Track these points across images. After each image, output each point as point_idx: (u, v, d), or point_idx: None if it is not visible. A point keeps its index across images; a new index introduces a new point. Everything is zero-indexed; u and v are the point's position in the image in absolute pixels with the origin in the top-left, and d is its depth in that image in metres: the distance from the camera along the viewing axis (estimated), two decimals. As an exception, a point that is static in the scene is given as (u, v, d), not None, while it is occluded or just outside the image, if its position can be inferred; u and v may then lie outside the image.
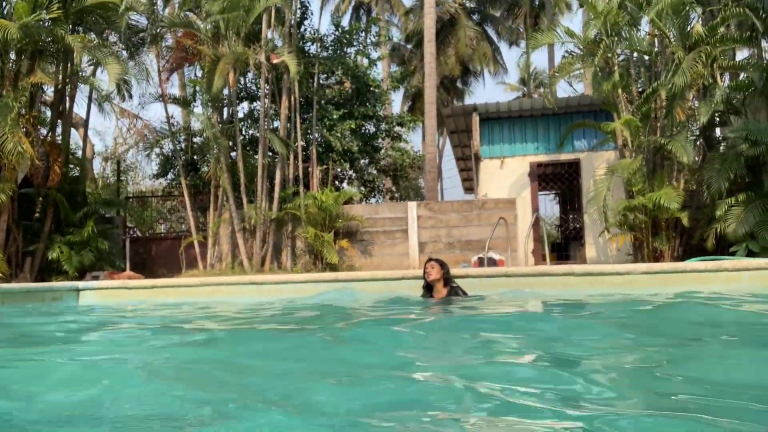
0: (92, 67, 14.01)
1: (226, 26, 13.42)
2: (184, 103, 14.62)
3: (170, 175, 18.48)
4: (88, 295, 7.55)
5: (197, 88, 15.23)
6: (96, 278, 12.49)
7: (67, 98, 13.50)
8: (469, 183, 21.34)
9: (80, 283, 7.74)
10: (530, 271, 6.29)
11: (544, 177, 16.45)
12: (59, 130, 13.77)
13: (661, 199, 11.59)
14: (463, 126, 16.77)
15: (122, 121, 24.25)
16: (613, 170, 12.54)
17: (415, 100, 34.95)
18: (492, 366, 2.52)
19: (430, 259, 6.20)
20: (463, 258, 14.08)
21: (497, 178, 15.76)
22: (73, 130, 23.62)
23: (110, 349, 3.60)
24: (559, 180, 16.49)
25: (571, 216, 18.97)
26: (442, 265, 6.12)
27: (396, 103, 44.05)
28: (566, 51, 15.76)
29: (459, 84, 37.21)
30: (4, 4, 10.49)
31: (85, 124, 15.39)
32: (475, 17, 35.04)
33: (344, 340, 3.66)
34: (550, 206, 23.84)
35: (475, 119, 15.51)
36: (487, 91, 50.86)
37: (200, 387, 2.24)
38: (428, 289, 6.10)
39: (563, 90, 40.60)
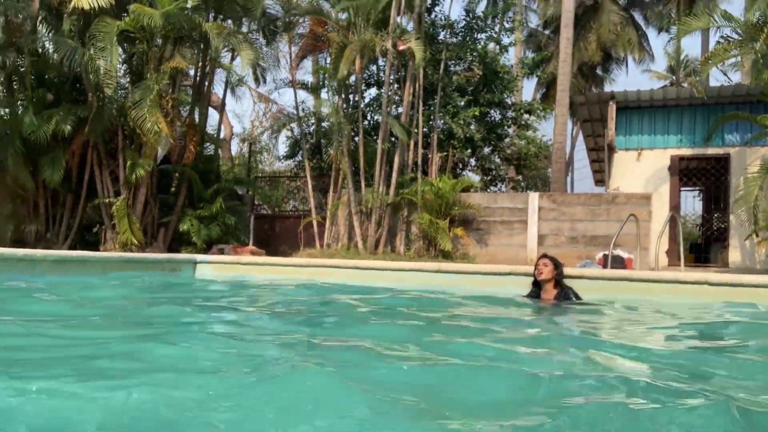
0: (230, 52, 14.71)
1: (356, 13, 13.50)
2: (312, 88, 14.96)
3: (299, 158, 19.14)
4: (205, 268, 7.89)
5: (326, 75, 15.53)
6: (222, 251, 13.19)
7: (206, 82, 14.31)
8: (600, 175, 20.03)
9: (198, 256, 8.11)
10: (655, 277, 5.61)
11: (687, 172, 14.98)
12: (199, 111, 14.63)
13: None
14: (597, 115, 15.69)
15: (258, 105, 25.52)
16: (766, 168, 11.10)
17: (550, 87, 33.46)
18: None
19: (544, 255, 5.74)
20: (587, 254, 13.20)
21: (632, 172, 14.60)
22: (214, 111, 25.32)
23: (218, 330, 3.58)
24: (704, 176, 14.92)
25: (715, 215, 17.19)
26: (556, 264, 5.63)
27: (528, 90, 42.60)
28: (721, 36, 14.13)
29: (599, 71, 35.16)
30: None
31: (222, 106, 16.25)
32: (620, 1, 32.74)
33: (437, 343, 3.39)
34: (691, 203, 21.85)
35: (612, 107, 14.42)
36: (630, 79, 47.62)
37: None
38: (536, 285, 5.67)
39: (715, 79, 37.04)
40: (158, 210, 13.88)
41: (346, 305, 5.00)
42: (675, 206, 14.40)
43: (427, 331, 3.67)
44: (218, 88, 17.57)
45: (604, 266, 12.17)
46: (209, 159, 14.89)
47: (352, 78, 15.09)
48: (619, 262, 12.10)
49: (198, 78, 14.19)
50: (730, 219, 13.77)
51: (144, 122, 10.98)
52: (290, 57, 15.01)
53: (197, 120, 14.33)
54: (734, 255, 13.50)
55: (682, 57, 38.73)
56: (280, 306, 4.80)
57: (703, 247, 16.93)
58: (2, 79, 12.55)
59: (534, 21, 34.58)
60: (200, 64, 13.71)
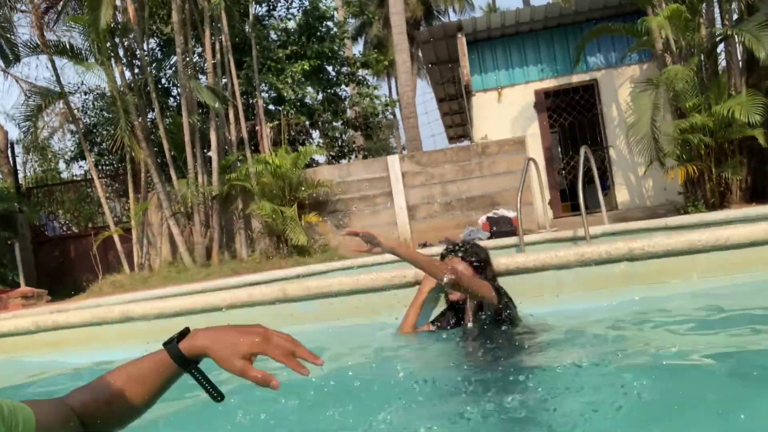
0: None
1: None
2: (70, 51, 10.75)
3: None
4: None
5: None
6: (-23, 302, 9.07)
7: None
8: (455, 131, 18.04)
9: None
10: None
11: (555, 108, 13.10)
12: None
13: (735, 111, 8.49)
14: (444, 55, 13.38)
15: (34, 98, 20.19)
16: (656, 82, 9.36)
17: (377, 50, 31.43)
18: None
19: (451, 250, 2.85)
20: (467, 220, 10.87)
21: (495, 115, 12.51)
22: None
23: None
24: (574, 110, 13.12)
25: (584, 152, 15.66)
26: (476, 253, 2.78)
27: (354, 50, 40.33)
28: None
29: (423, 29, 33.72)
30: None
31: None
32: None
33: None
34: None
35: (462, 42, 12.14)
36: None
37: None
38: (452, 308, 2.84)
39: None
40: None
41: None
42: (548, 147, 12.58)
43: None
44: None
45: (491, 231, 9.94)
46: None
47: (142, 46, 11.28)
48: (508, 224, 9.91)
49: None
50: (610, 154, 12.16)
51: None
52: (34, 9, 10.73)
53: None
54: (622, 194, 11.94)
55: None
56: None
57: (568, 192, 15.32)
58: None
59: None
60: None
